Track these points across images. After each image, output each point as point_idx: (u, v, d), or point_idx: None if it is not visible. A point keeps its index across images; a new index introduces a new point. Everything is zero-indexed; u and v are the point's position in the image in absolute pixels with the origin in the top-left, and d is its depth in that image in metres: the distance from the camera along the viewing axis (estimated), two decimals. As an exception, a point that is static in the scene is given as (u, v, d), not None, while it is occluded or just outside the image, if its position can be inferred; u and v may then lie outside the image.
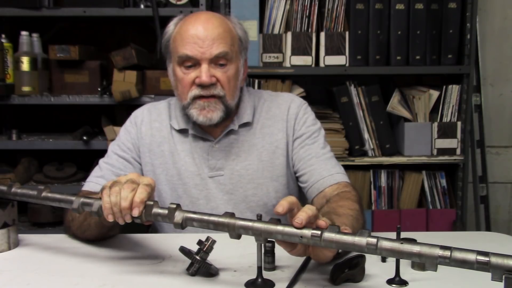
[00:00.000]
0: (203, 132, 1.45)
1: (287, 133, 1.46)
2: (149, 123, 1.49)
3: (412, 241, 0.85)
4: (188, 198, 1.43)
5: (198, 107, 1.36)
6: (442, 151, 2.44)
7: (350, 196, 1.30)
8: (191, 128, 1.45)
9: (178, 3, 2.32)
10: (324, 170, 1.41)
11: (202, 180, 1.43)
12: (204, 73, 1.33)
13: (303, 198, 1.53)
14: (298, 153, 1.45)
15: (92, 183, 1.43)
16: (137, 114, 1.52)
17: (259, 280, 1.03)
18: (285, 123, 1.46)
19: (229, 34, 1.37)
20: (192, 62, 1.35)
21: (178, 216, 1.00)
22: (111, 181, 1.08)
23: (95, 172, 1.47)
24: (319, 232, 0.90)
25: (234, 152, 1.44)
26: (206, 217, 0.99)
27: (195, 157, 1.44)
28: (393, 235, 1.03)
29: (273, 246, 1.11)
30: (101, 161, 1.49)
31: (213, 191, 1.43)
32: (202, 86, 1.34)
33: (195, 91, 1.36)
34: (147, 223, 1.07)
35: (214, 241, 1.07)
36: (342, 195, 1.32)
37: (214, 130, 1.45)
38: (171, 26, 1.42)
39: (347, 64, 2.39)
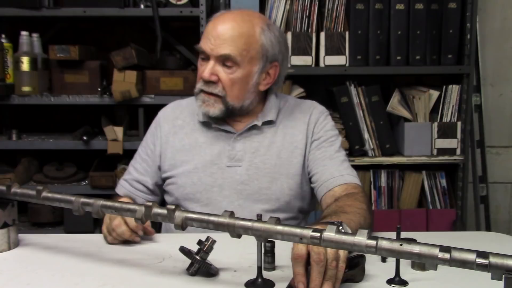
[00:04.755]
0: (227, 125, 1.49)
1: (306, 135, 1.50)
2: (172, 121, 1.55)
3: (412, 241, 0.85)
4: (202, 185, 1.46)
5: (200, 99, 1.44)
6: (442, 151, 2.44)
7: (358, 197, 1.33)
8: (215, 121, 1.49)
9: (178, 3, 2.32)
10: (336, 171, 1.44)
11: (219, 169, 1.47)
12: (207, 69, 1.40)
13: (315, 202, 1.56)
14: (314, 154, 1.48)
15: (120, 185, 1.58)
16: (160, 115, 1.59)
17: (259, 280, 1.03)
18: (306, 126, 1.51)
19: (244, 38, 1.39)
20: (205, 56, 1.42)
21: (178, 217, 1.00)
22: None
23: (125, 174, 1.60)
24: (318, 233, 0.89)
25: (254, 146, 1.48)
26: (206, 217, 0.99)
27: (215, 147, 1.48)
28: (393, 235, 1.03)
29: (273, 246, 1.11)
30: (131, 162, 1.60)
31: (228, 181, 1.46)
32: (204, 81, 1.41)
33: (199, 85, 1.44)
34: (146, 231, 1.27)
35: (214, 241, 1.08)
36: (350, 195, 1.34)
37: (238, 124, 1.50)
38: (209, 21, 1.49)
39: (347, 64, 2.39)
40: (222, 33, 1.38)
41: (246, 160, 1.46)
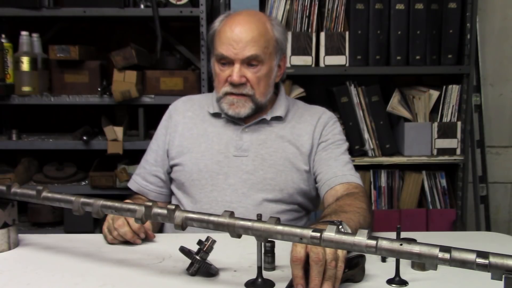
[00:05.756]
0: (236, 117, 1.53)
1: (313, 136, 1.54)
2: (183, 113, 1.60)
3: (412, 241, 0.85)
4: (208, 172, 1.50)
5: (228, 102, 1.49)
6: (442, 151, 2.44)
7: (358, 197, 1.35)
8: (224, 113, 1.53)
9: (178, 3, 2.32)
10: (339, 171, 1.48)
11: (226, 158, 1.50)
12: (235, 73, 1.45)
13: (319, 203, 1.58)
14: (320, 155, 1.52)
15: (132, 180, 1.62)
16: (171, 107, 1.65)
17: (259, 280, 1.03)
18: (313, 128, 1.55)
19: (263, 37, 1.46)
20: (227, 61, 1.47)
21: (178, 217, 1.00)
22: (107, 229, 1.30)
23: (138, 168, 1.64)
24: (318, 233, 0.89)
25: (261, 138, 1.53)
26: (206, 217, 0.99)
27: (223, 137, 1.53)
28: (393, 235, 1.03)
29: (273, 246, 1.11)
30: (143, 157, 1.64)
31: (234, 169, 1.49)
32: (233, 84, 1.46)
33: (227, 88, 1.48)
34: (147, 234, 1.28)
35: (214, 241, 1.08)
36: (351, 195, 1.37)
37: (248, 119, 1.54)
38: (216, 23, 1.52)
39: (347, 64, 2.39)
40: (242, 36, 1.44)
41: (252, 151, 1.50)
